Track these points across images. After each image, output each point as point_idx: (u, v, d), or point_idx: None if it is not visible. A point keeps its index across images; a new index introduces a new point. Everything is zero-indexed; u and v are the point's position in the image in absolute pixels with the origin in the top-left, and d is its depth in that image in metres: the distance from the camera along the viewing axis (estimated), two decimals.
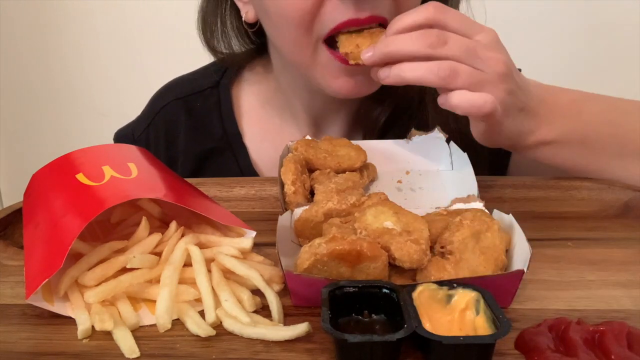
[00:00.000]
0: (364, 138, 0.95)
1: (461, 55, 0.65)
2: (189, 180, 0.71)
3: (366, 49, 0.69)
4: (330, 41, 0.77)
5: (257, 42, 0.96)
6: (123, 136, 1.06)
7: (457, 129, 0.84)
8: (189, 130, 1.01)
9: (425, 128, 0.84)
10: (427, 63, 0.65)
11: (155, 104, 1.06)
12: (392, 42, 0.66)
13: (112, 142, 0.72)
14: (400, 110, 0.93)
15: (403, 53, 0.66)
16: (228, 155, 0.99)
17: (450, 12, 0.67)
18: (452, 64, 0.64)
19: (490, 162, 0.90)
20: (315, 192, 0.71)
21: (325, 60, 0.78)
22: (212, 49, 0.98)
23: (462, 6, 0.96)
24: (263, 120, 1.00)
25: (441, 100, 0.68)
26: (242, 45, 0.97)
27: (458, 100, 0.65)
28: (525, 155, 0.77)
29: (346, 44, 0.74)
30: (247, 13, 0.88)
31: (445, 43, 0.64)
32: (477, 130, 0.74)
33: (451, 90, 0.66)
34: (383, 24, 0.75)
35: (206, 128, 1.01)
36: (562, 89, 0.79)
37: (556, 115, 0.75)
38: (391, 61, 0.67)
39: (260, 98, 1.01)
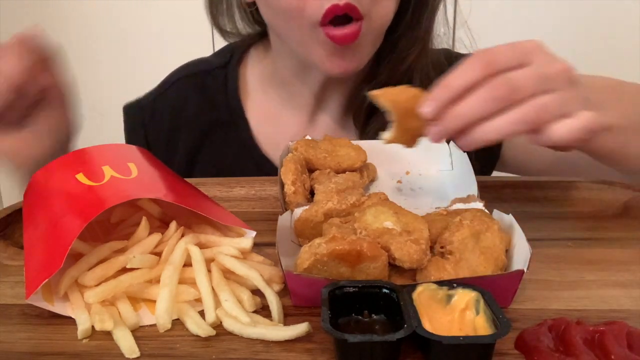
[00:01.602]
0: (354, 118, 0.98)
1: (536, 90, 0.58)
2: (189, 180, 0.71)
3: (429, 129, 0.61)
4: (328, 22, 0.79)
5: (259, 22, 0.99)
6: (130, 106, 1.09)
7: None
8: (196, 105, 1.04)
9: None
10: (509, 116, 0.58)
11: (168, 80, 1.10)
12: (460, 113, 0.58)
13: (112, 142, 0.73)
14: None
15: (477, 118, 0.58)
16: (230, 128, 1.02)
17: (495, 52, 0.59)
18: (535, 105, 0.58)
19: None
20: (315, 192, 0.71)
21: (321, 40, 0.80)
22: (218, 27, 1.02)
23: (449, 10, 0.96)
24: (264, 99, 1.03)
25: (540, 142, 0.60)
26: (246, 25, 1.01)
27: (565, 134, 0.58)
28: (588, 147, 0.68)
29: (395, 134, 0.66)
30: None
31: (514, 88, 0.57)
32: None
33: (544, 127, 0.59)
34: (356, 17, 0.78)
35: (212, 103, 1.03)
36: (593, 76, 0.74)
37: (606, 103, 0.68)
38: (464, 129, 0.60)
39: (261, 77, 1.03)
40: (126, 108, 1.10)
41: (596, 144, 0.66)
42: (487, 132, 0.58)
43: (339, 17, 0.78)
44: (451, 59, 0.97)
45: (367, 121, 0.96)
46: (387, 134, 0.66)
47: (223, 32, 1.03)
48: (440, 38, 0.98)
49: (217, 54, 1.10)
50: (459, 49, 1.03)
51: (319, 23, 0.78)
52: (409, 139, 0.65)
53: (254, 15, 0.98)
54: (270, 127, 1.01)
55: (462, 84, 0.58)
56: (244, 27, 1.01)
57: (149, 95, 1.09)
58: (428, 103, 0.59)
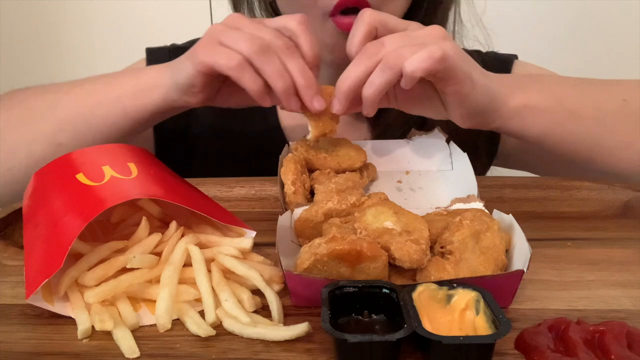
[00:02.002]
0: (365, 117, 0.97)
1: (400, 42, 0.65)
2: (189, 180, 0.71)
3: (331, 104, 0.69)
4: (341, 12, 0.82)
5: (277, 13, 0.99)
6: (154, 50, 1.09)
7: (455, 128, 0.85)
8: None
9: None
10: (376, 70, 0.65)
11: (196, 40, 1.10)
12: (343, 80, 0.67)
13: (112, 141, 0.74)
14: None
15: (358, 81, 0.66)
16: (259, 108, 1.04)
17: (383, 14, 0.68)
18: (395, 51, 0.64)
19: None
20: (315, 192, 0.71)
21: (329, 29, 0.83)
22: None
23: (463, 7, 0.96)
24: None
25: (402, 83, 0.66)
26: (265, 16, 1.01)
27: (411, 66, 0.63)
28: (506, 127, 0.74)
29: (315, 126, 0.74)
30: None
31: (382, 44, 0.65)
32: (453, 108, 0.71)
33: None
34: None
35: None
36: (537, 67, 0.81)
37: (526, 82, 0.75)
38: (357, 93, 0.67)
39: None
40: (149, 49, 1.09)
41: (521, 122, 0.72)
42: (366, 89, 0.65)
43: (349, 9, 0.80)
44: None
45: (379, 115, 0.95)
46: (309, 135, 0.74)
47: None
48: (454, 36, 0.97)
49: None
50: (473, 47, 1.03)
51: (329, 13, 0.81)
52: (327, 124, 0.73)
53: (272, 5, 0.98)
54: (290, 117, 1.00)
55: (356, 42, 0.67)
56: (263, 17, 1.02)
57: (175, 45, 1.08)
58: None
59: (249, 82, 0.68)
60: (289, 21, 0.71)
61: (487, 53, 1.04)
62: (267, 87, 0.69)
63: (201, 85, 0.71)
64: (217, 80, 0.73)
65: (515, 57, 1.05)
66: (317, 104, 0.69)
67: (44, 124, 0.80)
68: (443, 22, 0.93)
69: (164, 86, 0.75)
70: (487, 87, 0.70)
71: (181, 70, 0.72)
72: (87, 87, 0.82)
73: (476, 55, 1.01)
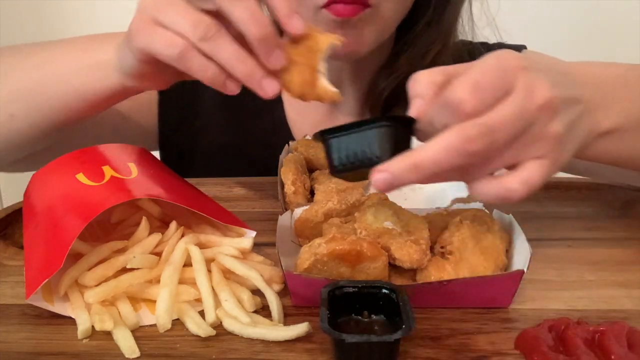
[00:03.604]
0: (370, 112, 0.96)
1: (513, 136, 0.48)
2: (189, 180, 0.71)
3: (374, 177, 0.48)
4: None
5: None
6: None
7: None
8: None
9: None
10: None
11: None
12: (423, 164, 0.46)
13: (112, 141, 0.73)
14: (405, 87, 0.94)
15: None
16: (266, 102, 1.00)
17: (493, 131, 0.47)
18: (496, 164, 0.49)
19: None
20: (315, 192, 0.71)
21: (323, 20, 0.79)
22: None
23: (475, 6, 0.95)
24: None
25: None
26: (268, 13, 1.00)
27: (486, 195, 0.50)
28: (582, 156, 0.60)
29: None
30: None
31: (493, 142, 0.46)
32: None
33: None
34: (363, 2, 0.76)
35: None
36: (600, 65, 0.66)
37: (610, 99, 0.60)
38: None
39: None
40: None
41: (591, 153, 0.60)
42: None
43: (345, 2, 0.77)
44: (473, 51, 0.96)
45: (384, 114, 0.96)
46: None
47: None
48: (464, 36, 0.96)
49: None
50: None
51: (322, 5, 0.77)
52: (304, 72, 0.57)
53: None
54: (296, 113, 1.00)
55: (434, 172, 0.46)
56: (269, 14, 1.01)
57: None
58: (382, 176, 0.47)
59: (198, 72, 0.55)
60: None
61: (495, 44, 1.03)
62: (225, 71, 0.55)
63: (151, 71, 0.60)
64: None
65: (524, 47, 1.04)
66: (275, 61, 0.54)
67: None
68: (454, 22, 0.92)
69: (114, 69, 0.65)
70: (580, 134, 0.55)
71: (123, 57, 0.62)
72: (47, 53, 0.73)
73: (483, 48, 1.01)
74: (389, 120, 0.50)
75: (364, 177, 0.50)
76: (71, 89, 0.69)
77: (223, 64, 0.54)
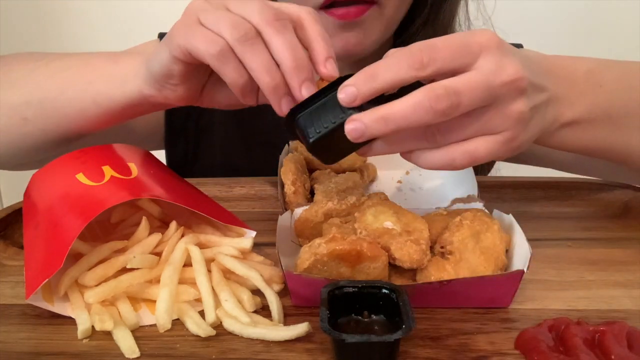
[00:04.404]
0: None
1: (477, 104, 0.51)
2: (189, 180, 0.71)
3: (347, 123, 0.50)
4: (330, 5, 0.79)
5: None
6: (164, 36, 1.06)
7: None
8: None
9: None
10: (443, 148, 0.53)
11: None
12: (390, 115, 0.49)
13: (113, 141, 0.73)
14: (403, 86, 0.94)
15: (406, 126, 0.50)
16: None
17: (436, 48, 0.51)
18: (462, 135, 0.52)
19: None
20: (315, 192, 0.71)
21: (324, 21, 0.76)
22: None
23: (472, 5, 0.95)
24: None
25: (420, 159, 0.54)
26: None
27: (429, 162, 0.53)
28: (547, 143, 0.63)
29: None
30: None
31: (456, 105, 0.49)
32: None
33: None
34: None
35: None
36: (572, 59, 0.67)
37: (576, 92, 0.62)
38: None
39: None
40: (162, 34, 1.03)
41: (556, 141, 0.62)
42: (420, 157, 0.53)
43: (341, 2, 0.77)
44: None
45: (339, 78, 0.95)
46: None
47: None
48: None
49: None
50: None
51: (320, 6, 0.77)
52: None
53: None
54: None
55: (390, 79, 0.50)
56: None
57: None
58: (346, 89, 0.50)
59: (232, 75, 0.56)
60: (294, 8, 0.58)
61: None
62: (254, 83, 0.57)
63: (179, 75, 0.61)
64: (200, 73, 0.63)
65: (520, 45, 1.04)
66: (305, 91, 0.55)
67: (13, 93, 0.74)
68: (451, 20, 0.92)
69: (138, 76, 0.65)
70: (542, 120, 0.58)
71: (157, 56, 0.62)
72: (66, 62, 0.74)
73: None
74: (346, 78, 0.51)
75: (344, 144, 0.51)
76: (88, 95, 0.70)
77: (253, 70, 0.55)
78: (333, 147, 0.54)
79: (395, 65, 0.50)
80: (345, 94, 0.50)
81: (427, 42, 0.51)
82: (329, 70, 0.57)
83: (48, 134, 0.74)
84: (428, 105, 0.48)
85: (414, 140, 0.53)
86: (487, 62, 0.51)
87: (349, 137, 0.50)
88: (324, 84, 0.56)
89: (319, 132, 0.52)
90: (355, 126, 0.49)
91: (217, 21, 0.56)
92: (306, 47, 0.57)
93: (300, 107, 0.54)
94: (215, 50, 0.55)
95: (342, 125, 0.50)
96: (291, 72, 0.54)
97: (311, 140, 0.52)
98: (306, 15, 0.58)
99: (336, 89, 0.51)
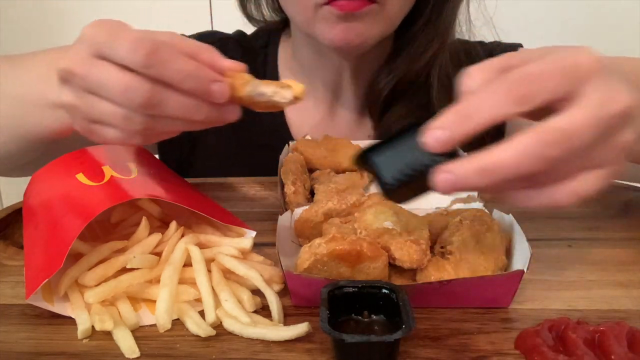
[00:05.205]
0: (370, 111, 0.97)
1: (590, 146, 0.43)
2: (189, 180, 0.71)
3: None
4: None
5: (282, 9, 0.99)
6: None
7: None
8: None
9: (429, 105, 0.85)
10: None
11: (213, 33, 1.08)
12: (489, 166, 0.42)
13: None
14: (405, 85, 0.94)
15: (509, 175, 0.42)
16: None
17: (533, 78, 0.43)
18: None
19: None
20: (315, 192, 0.71)
21: (324, 15, 0.79)
22: (246, 14, 1.02)
23: (473, 5, 0.95)
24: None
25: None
26: (271, 12, 1.01)
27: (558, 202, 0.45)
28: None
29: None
30: None
31: (571, 148, 0.42)
32: None
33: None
34: None
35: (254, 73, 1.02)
36: (624, 60, 0.62)
37: None
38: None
39: (284, 63, 1.03)
40: None
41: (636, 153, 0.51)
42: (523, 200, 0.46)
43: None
44: (470, 51, 0.97)
45: (383, 114, 0.95)
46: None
47: (250, 19, 1.04)
48: (461, 35, 0.96)
49: (255, 36, 1.09)
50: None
51: (325, 2, 0.78)
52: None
53: (278, 1, 0.96)
54: (296, 113, 1.00)
55: (490, 117, 0.42)
56: (270, 14, 1.02)
57: (192, 35, 1.05)
58: (435, 133, 0.43)
59: (168, 129, 0.56)
60: (164, 35, 0.54)
61: (492, 43, 1.04)
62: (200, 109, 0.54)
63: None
64: None
65: (520, 45, 1.04)
66: (218, 91, 0.53)
67: None
68: (451, 21, 0.92)
69: (50, 104, 0.61)
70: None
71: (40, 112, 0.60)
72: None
73: (480, 47, 1.01)
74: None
75: (421, 189, 0.47)
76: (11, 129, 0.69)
77: (171, 118, 0.54)
78: (410, 191, 0.48)
79: (493, 100, 0.42)
80: (435, 139, 0.43)
81: (525, 70, 0.44)
82: (229, 62, 0.54)
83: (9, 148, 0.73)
84: (540, 153, 0.41)
85: (512, 182, 0.44)
86: (595, 92, 0.43)
87: (438, 189, 0.44)
88: (239, 79, 0.54)
89: (398, 178, 0.46)
90: (448, 178, 0.43)
91: (108, 91, 0.52)
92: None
93: (373, 147, 0.48)
94: (119, 140, 0.54)
95: (425, 172, 0.44)
96: (196, 87, 0.52)
97: (391, 186, 0.47)
98: (174, 37, 0.55)
99: (415, 129, 0.45)
